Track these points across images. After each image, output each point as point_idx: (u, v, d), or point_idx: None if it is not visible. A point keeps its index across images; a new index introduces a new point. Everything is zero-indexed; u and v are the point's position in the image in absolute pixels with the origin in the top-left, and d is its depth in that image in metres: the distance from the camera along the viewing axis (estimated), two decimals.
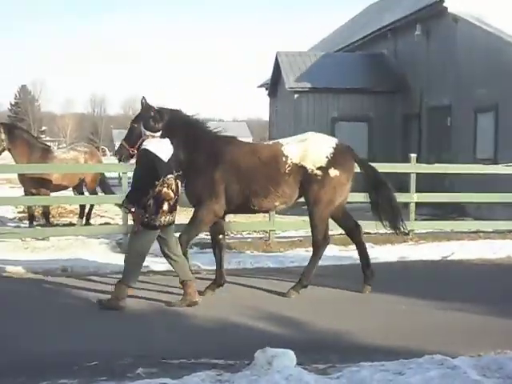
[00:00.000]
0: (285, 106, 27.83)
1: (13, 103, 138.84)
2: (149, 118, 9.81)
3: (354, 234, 11.18)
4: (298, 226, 16.83)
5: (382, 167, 17.35)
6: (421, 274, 12.41)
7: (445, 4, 21.60)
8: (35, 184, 15.91)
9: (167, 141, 9.81)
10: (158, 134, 9.67)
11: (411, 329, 8.64)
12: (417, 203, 16.15)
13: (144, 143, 9.69)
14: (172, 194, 9.42)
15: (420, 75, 24.33)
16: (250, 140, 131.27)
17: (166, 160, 9.57)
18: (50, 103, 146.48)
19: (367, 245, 14.95)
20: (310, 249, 14.43)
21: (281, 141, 10.86)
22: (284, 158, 10.27)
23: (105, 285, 11.02)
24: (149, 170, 9.42)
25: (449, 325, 8.85)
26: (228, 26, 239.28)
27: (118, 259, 11.98)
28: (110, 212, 18.96)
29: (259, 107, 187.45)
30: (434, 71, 23.28)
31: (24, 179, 16.04)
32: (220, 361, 7.21)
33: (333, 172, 10.21)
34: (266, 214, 15.39)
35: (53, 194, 16.85)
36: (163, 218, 9.58)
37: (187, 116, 10.60)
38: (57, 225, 17.74)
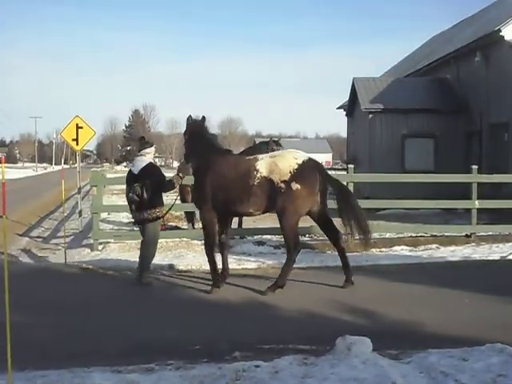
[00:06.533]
0: (360, 124, 27.69)
1: (127, 125, 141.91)
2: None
3: (336, 241, 10.83)
4: (372, 229, 16.74)
5: (447, 177, 17.26)
6: (481, 271, 12.16)
7: (501, 33, 21.32)
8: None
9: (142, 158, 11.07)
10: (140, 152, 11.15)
11: (473, 320, 8.50)
12: (478, 209, 15.85)
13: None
14: (136, 198, 10.65)
15: (480, 97, 23.94)
16: (330, 156, 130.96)
17: (136, 173, 10.93)
18: (158, 124, 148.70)
19: (433, 246, 14.93)
20: (384, 249, 14.51)
21: (259, 156, 10.84)
22: (255, 172, 10.25)
23: (204, 280, 11.11)
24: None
25: (508, 316, 8.65)
26: (309, 54, 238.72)
27: (217, 259, 12.11)
28: None
29: (339, 125, 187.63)
30: (493, 93, 22.88)
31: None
32: (305, 346, 7.23)
33: (294, 185, 9.99)
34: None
35: None
36: (133, 214, 11.14)
37: (200, 130, 11.03)
38: (166, 229, 17.96)
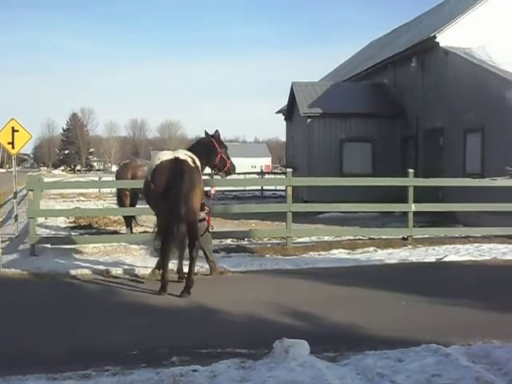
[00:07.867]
0: (299, 128, 27.85)
1: (65, 128, 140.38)
2: None
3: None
4: (311, 233, 16.92)
5: (384, 181, 17.49)
6: (418, 274, 12.35)
7: (437, 40, 21.76)
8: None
9: None
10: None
11: (410, 321, 8.65)
12: (415, 212, 16.06)
13: None
14: None
15: (416, 101, 24.36)
16: (269, 159, 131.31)
17: None
18: (97, 127, 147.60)
19: (371, 248, 15.09)
20: (322, 252, 14.61)
21: None
22: (146, 173, 10.80)
23: (142, 285, 11.13)
24: None
25: (442, 318, 8.84)
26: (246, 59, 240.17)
27: (154, 263, 12.08)
28: (148, 222, 18.77)
29: (278, 129, 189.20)
30: (429, 98, 23.31)
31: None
32: (243, 350, 7.25)
33: (152, 185, 10.30)
34: (284, 223, 15.43)
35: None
36: None
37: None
38: (103, 233, 17.77)
